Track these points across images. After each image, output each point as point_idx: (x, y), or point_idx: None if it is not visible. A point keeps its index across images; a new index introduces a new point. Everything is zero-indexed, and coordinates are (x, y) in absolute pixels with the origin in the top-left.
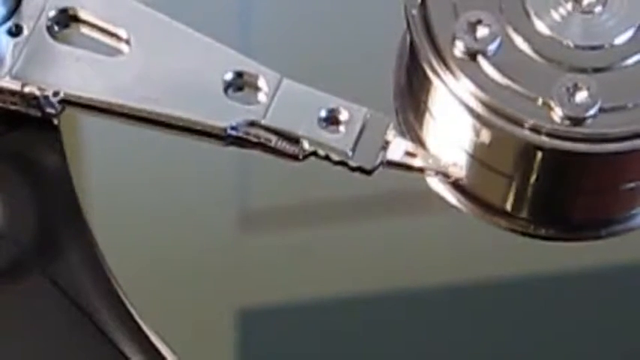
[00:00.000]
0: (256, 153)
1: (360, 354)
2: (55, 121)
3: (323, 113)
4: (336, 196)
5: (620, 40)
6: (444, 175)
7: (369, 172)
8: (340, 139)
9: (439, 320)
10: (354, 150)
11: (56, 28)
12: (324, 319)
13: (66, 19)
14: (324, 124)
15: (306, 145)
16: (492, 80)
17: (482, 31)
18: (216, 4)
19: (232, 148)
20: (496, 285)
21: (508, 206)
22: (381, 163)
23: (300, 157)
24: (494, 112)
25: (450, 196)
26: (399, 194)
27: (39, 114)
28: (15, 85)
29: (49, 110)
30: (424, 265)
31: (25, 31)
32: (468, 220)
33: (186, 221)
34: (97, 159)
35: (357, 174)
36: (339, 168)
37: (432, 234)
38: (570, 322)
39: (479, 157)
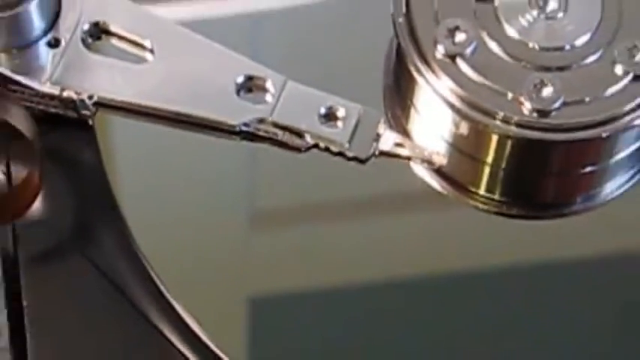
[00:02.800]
0: (267, 153)
1: (358, 336)
2: (90, 122)
3: (322, 110)
4: (336, 196)
5: (579, 42)
6: (428, 163)
7: (363, 161)
8: (338, 132)
9: (433, 292)
10: (350, 142)
11: (90, 39)
12: (327, 305)
13: (98, 32)
14: (324, 120)
15: (308, 138)
16: (469, 79)
17: (460, 36)
18: (231, 20)
19: (245, 150)
20: (473, 257)
21: (484, 189)
22: (374, 153)
23: (303, 149)
24: (472, 107)
25: (434, 183)
26: (392, 189)
27: (75, 115)
28: (54, 90)
29: (85, 112)
30: (414, 248)
31: (63, 43)
32: (450, 203)
33: (203, 211)
34: (127, 155)
35: (355, 171)
36: (338, 171)
37: (419, 221)
38: (535, 285)
39: (458, 146)
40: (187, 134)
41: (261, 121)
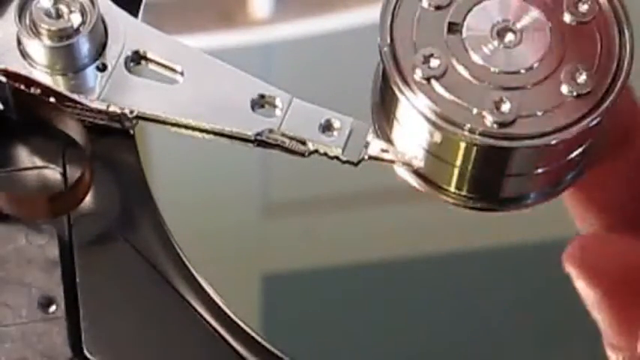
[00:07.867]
0: (276, 156)
1: (351, 305)
2: (131, 131)
3: (322, 122)
4: (333, 191)
5: (532, 66)
6: (408, 165)
7: (355, 164)
8: (334, 140)
9: (411, 270)
10: (344, 148)
11: (131, 65)
12: (326, 280)
13: (138, 58)
14: (323, 130)
15: (310, 145)
16: (442, 97)
17: (434, 62)
18: (247, 49)
19: (259, 155)
20: (444, 242)
21: (454, 187)
22: (364, 157)
23: (306, 154)
24: (444, 120)
25: (413, 181)
26: (379, 186)
27: (119, 126)
28: (102, 106)
29: (127, 124)
30: (397, 234)
31: (109, 68)
32: (426, 197)
33: (225, 203)
34: (161, 157)
35: (349, 171)
36: (335, 171)
37: (401, 212)
38: (495, 264)
39: (432, 151)
40: (211, 141)
41: (272, 131)
